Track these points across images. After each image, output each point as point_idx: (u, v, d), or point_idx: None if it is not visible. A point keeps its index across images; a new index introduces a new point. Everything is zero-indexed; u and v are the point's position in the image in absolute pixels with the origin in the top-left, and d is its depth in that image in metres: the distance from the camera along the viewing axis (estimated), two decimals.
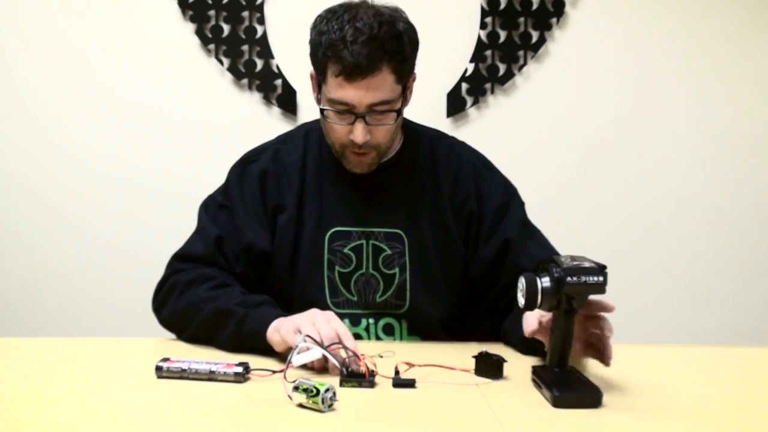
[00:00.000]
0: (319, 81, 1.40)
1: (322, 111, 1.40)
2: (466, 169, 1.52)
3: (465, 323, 1.53)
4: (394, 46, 1.34)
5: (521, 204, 1.54)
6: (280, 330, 1.24)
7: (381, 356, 1.25)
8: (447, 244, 1.48)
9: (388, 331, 1.47)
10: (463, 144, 1.58)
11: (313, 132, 1.54)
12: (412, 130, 1.55)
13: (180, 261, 1.47)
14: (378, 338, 1.47)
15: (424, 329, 1.48)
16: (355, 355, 1.16)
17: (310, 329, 1.19)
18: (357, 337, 1.45)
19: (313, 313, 1.25)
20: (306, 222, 1.47)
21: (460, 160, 1.53)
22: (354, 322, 1.46)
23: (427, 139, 1.55)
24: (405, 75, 1.39)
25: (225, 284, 1.40)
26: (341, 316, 1.42)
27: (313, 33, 1.39)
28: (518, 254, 1.46)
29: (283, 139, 1.57)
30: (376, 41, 1.32)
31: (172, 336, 1.43)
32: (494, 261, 1.48)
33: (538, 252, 1.46)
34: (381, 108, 1.37)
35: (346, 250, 1.46)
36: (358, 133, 1.37)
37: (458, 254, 1.49)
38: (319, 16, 1.39)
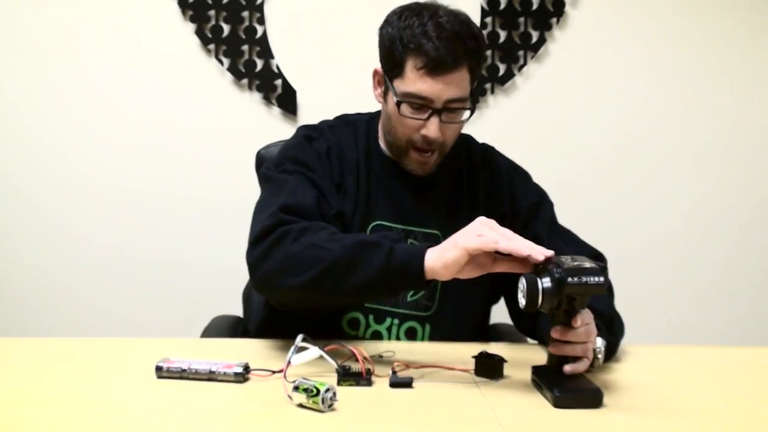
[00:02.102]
0: (391, 76, 1.40)
1: (398, 104, 1.39)
2: (500, 173, 1.55)
3: (487, 332, 1.56)
4: (473, 45, 1.37)
5: (551, 205, 1.58)
6: (456, 240, 1.15)
7: (381, 356, 1.25)
8: None
9: (410, 335, 1.46)
10: (493, 149, 1.61)
11: (360, 124, 1.54)
12: None
13: (286, 213, 1.31)
14: (398, 340, 1.46)
15: (446, 334, 1.46)
16: (354, 354, 1.17)
17: (487, 231, 1.14)
18: (378, 335, 1.45)
19: (479, 222, 1.17)
20: (357, 210, 1.47)
21: (494, 164, 1.56)
22: (378, 319, 1.45)
23: (462, 142, 1.55)
24: (477, 77, 1.42)
25: (345, 233, 1.33)
26: (368, 311, 1.43)
27: (388, 28, 1.40)
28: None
29: (330, 125, 1.55)
30: (458, 38, 1.34)
31: (173, 336, 1.42)
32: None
33: (564, 248, 1.44)
34: (456, 105, 1.38)
35: None
36: (433, 128, 1.37)
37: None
38: (394, 12, 1.41)
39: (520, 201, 1.53)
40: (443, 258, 1.15)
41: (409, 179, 1.49)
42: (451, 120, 1.40)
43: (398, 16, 1.40)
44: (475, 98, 1.45)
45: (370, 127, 1.54)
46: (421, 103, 1.37)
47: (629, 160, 2.60)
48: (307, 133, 1.52)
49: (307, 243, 1.24)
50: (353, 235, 1.34)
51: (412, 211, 1.48)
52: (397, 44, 1.37)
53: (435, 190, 1.51)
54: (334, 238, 1.25)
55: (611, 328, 1.31)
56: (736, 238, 2.65)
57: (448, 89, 1.36)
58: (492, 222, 1.18)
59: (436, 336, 1.47)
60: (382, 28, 1.42)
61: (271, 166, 1.49)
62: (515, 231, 1.46)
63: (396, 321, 1.45)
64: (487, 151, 1.59)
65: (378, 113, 1.54)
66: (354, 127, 1.54)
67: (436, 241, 1.45)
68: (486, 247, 1.13)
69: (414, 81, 1.36)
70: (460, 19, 1.37)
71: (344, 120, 1.57)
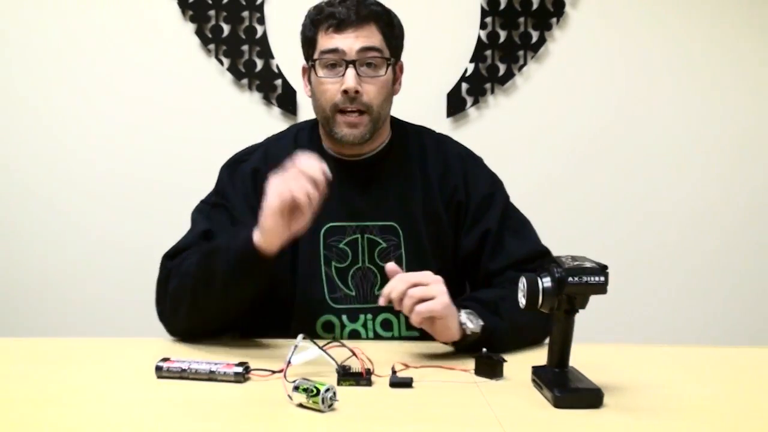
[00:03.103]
0: (309, 57, 1.46)
1: (313, 67, 1.44)
2: (454, 161, 1.54)
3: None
4: (380, 10, 1.45)
5: (506, 197, 1.56)
6: (262, 218, 1.23)
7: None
8: (439, 234, 1.50)
9: (387, 326, 1.47)
10: (449, 138, 1.62)
11: (303, 131, 1.57)
12: (399, 126, 1.58)
13: (169, 259, 1.44)
14: (376, 334, 1.46)
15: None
16: (354, 354, 1.17)
17: (281, 190, 1.19)
18: (355, 334, 1.46)
19: (279, 176, 1.22)
20: None
21: (447, 152, 1.55)
22: (352, 318, 1.46)
23: (415, 133, 1.58)
24: (392, 42, 1.46)
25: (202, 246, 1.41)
26: (340, 312, 1.44)
27: (302, 23, 1.49)
28: (494, 245, 1.49)
29: (272, 140, 1.59)
30: (362, 3, 1.43)
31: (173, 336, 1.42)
32: (474, 251, 1.50)
33: (514, 244, 1.49)
34: (371, 55, 1.42)
35: (341, 245, 1.47)
36: (350, 78, 1.40)
37: (449, 244, 1.51)
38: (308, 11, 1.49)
39: (472, 192, 1.52)
40: (260, 229, 1.24)
41: (356, 175, 1.49)
42: (369, 74, 1.42)
43: (309, 11, 1.48)
44: (395, 58, 1.49)
45: (313, 130, 1.55)
46: (335, 59, 1.41)
47: (629, 159, 2.60)
48: (235, 157, 1.56)
49: (178, 277, 1.36)
50: (204, 245, 1.39)
51: (364, 206, 1.48)
52: (308, 24, 1.46)
53: (385, 181, 1.50)
54: (192, 259, 1.35)
55: (497, 311, 1.34)
56: (736, 239, 2.65)
57: (358, 40, 1.41)
58: None
59: (413, 326, 1.46)
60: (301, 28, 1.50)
61: (203, 199, 1.55)
62: (466, 223, 1.52)
63: (369, 316, 1.47)
64: (441, 138, 1.60)
65: None
66: (296, 137, 1.56)
67: (394, 233, 1.48)
68: (282, 197, 1.19)
69: (325, 42, 1.42)
70: None
71: (294, 128, 1.61)
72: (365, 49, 1.41)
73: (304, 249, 1.46)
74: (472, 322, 1.29)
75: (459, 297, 1.41)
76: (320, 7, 1.45)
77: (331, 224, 1.47)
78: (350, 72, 1.40)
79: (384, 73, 1.43)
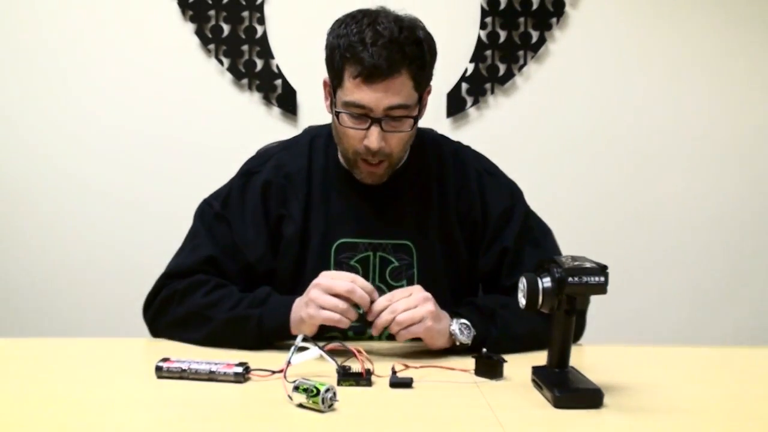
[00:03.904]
0: (334, 86, 1.38)
1: (337, 114, 1.37)
2: (470, 177, 1.50)
3: None
4: (414, 51, 1.33)
5: (525, 208, 1.52)
6: (301, 314, 1.28)
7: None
8: (453, 253, 1.47)
9: (393, 338, 1.46)
10: (467, 149, 1.57)
11: (319, 138, 1.51)
12: (417, 137, 1.49)
13: (169, 278, 1.43)
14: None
15: None
16: (354, 354, 1.17)
17: (326, 299, 1.25)
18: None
19: (317, 282, 1.28)
20: (312, 233, 1.44)
21: (464, 167, 1.51)
22: (358, 333, 1.44)
23: (432, 145, 1.52)
24: (423, 83, 1.37)
25: (220, 285, 1.39)
26: (345, 328, 1.40)
27: (330, 37, 1.37)
28: (512, 261, 1.46)
29: (286, 146, 1.54)
30: (396, 44, 1.30)
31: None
32: (493, 269, 1.48)
33: (533, 256, 1.44)
34: (398, 113, 1.34)
35: (352, 262, 1.44)
36: (373, 138, 1.34)
37: (463, 263, 1.48)
38: (337, 20, 1.38)
39: (491, 210, 1.48)
40: (301, 329, 1.28)
41: (370, 190, 1.45)
42: (394, 129, 1.35)
43: (340, 23, 1.36)
44: (420, 107, 1.41)
45: (329, 141, 1.48)
46: (360, 113, 1.34)
47: (629, 159, 2.60)
48: (249, 167, 1.52)
49: (184, 311, 1.38)
50: (224, 294, 1.38)
51: (377, 224, 1.45)
52: (336, 53, 1.34)
53: (401, 199, 1.47)
54: (210, 302, 1.37)
55: (492, 319, 1.35)
56: (736, 239, 2.65)
57: (386, 97, 1.32)
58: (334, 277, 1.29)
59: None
60: (327, 36, 1.38)
61: (208, 197, 1.51)
62: (484, 241, 1.48)
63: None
64: (458, 152, 1.54)
65: None
66: (311, 144, 1.50)
67: (407, 252, 1.45)
68: (324, 321, 1.26)
69: (351, 90, 1.33)
70: (402, 24, 1.33)
71: (307, 133, 1.56)
72: (392, 108, 1.33)
73: (313, 265, 1.43)
74: (463, 334, 1.30)
75: (460, 301, 1.41)
76: (351, 44, 1.31)
77: (343, 240, 1.44)
78: (375, 130, 1.34)
79: (409, 129, 1.37)
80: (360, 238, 1.44)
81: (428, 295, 1.30)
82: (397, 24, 1.33)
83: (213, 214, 1.47)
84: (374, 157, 1.37)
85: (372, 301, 1.27)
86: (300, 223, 1.44)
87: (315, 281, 1.28)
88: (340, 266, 1.43)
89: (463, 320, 1.32)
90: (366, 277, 1.42)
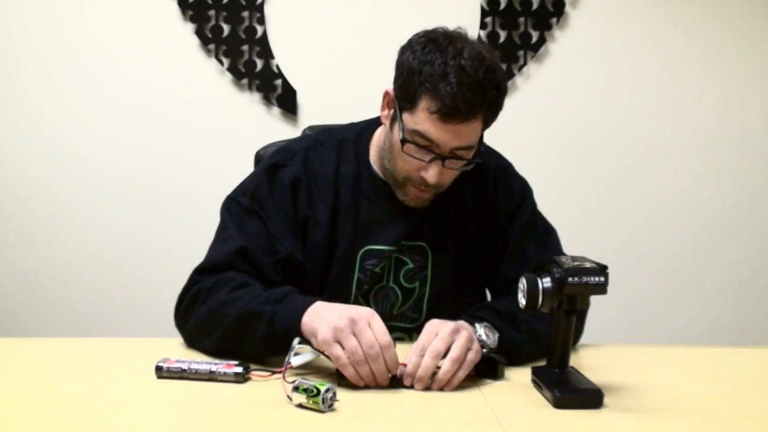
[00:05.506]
0: (401, 106, 1.32)
1: (403, 141, 1.31)
2: (487, 173, 1.48)
3: None
4: (493, 96, 1.29)
5: (532, 205, 1.51)
6: (317, 335, 1.14)
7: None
8: (467, 254, 1.46)
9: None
10: (484, 145, 1.53)
11: (347, 143, 1.47)
12: None
13: (200, 273, 1.37)
14: None
15: None
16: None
17: (349, 341, 1.11)
18: None
19: (350, 317, 1.12)
20: (339, 240, 1.42)
21: (482, 165, 1.45)
22: None
23: None
24: (491, 123, 1.34)
25: (245, 284, 1.31)
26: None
27: (408, 56, 1.31)
28: (513, 253, 1.45)
29: (311, 144, 1.48)
30: (479, 87, 1.26)
31: (173, 336, 1.42)
32: (494, 264, 1.47)
33: (534, 251, 1.44)
34: (463, 153, 1.32)
35: (377, 269, 1.42)
36: (433, 173, 1.31)
37: (477, 263, 1.47)
38: (419, 40, 1.32)
39: (501, 205, 1.47)
40: (309, 337, 1.16)
41: (397, 198, 1.42)
42: (453, 166, 1.34)
43: (422, 46, 1.30)
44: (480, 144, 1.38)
45: (359, 147, 1.46)
46: (427, 145, 1.30)
47: (629, 159, 2.60)
48: (275, 161, 1.45)
49: (207, 309, 1.29)
50: (246, 291, 1.28)
51: (404, 229, 1.43)
52: (415, 78, 1.28)
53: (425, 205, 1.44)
54: (231, 299, 1.27)
55: (514, 323, 1.29)
56: (737, 239, 2.65)
57: (457, 138, 1.29)
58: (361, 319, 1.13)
59: None
60: (403, 51, 1.33)
61: (233, 194, 1.45)
62: (493, 236, 1.47)
63: None
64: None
65: (368, 126, 1.49)
66: (339, 147, 1.46)
67: (422, 253, 1.44)
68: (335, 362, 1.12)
69: (424, 122, 1.28)
70: (485, 63, 1.27)
71: (330, 135, 1.49)
72: (460, 149, 1.30)
73: (338, 271, 1.41)
74: (489, 338, 1.24)
75: (476, 305, 1.39)
76: (434, 75, 1.26)
77: (370, 248, 1.42)
78: (436, 167, 1.31)
79: (467, 167, 1.35)
80: (387, 245, 1.42)
81: (458, 328, 1.18)
82: (481, 63, 1.27)
83: (242, 209, 1.41)
84: (426, 188, 1.35)
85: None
86: (327, 230, 1.41)
87: (353, 315, 1.14)
88: (364, 273, 1.41)
89: (486, 323, 1.27)
90: (381, 279, 1.43)
